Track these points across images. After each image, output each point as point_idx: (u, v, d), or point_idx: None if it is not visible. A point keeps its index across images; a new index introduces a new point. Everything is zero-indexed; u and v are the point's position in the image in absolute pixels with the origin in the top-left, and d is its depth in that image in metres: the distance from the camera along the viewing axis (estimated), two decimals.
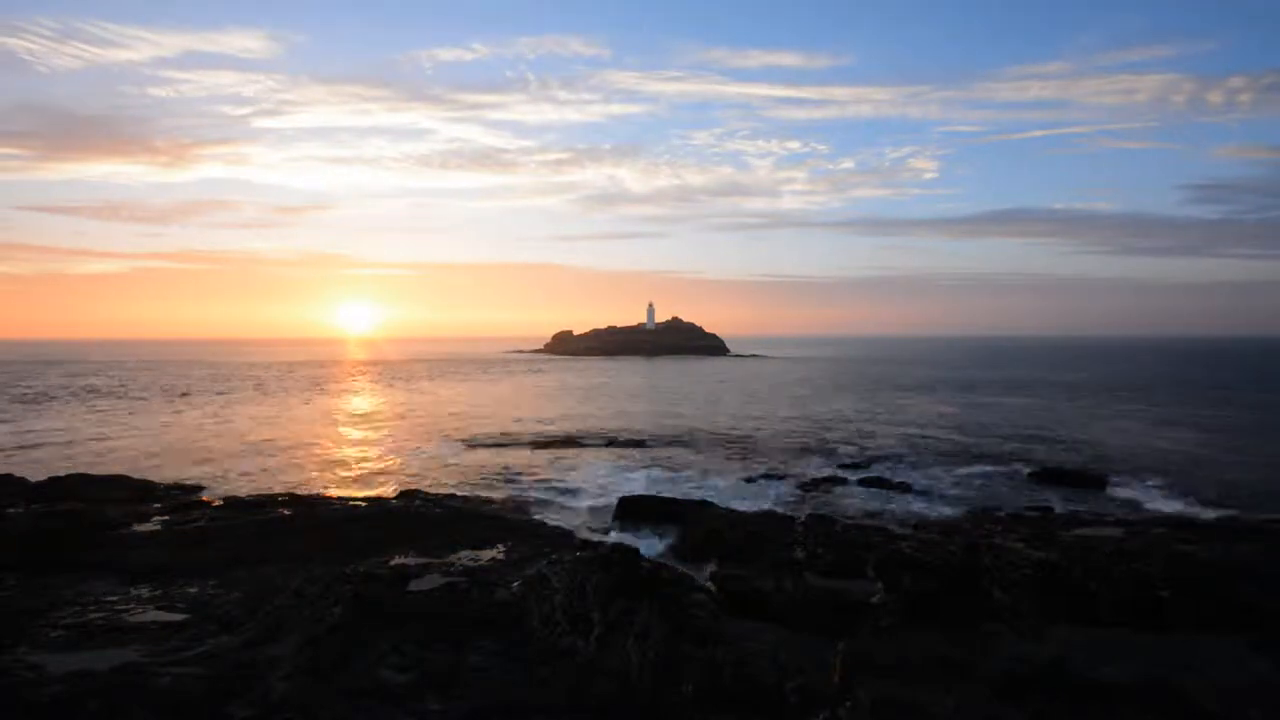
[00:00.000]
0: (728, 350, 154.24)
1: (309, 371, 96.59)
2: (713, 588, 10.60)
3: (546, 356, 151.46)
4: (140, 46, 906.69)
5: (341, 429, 37.94)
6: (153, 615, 8.51)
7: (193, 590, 9.85)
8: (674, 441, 32.37)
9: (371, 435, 35.59)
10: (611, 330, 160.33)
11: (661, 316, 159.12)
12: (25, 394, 58.18)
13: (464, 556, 10.55)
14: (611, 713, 6.11)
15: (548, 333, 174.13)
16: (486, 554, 10.74)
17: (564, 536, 14.58)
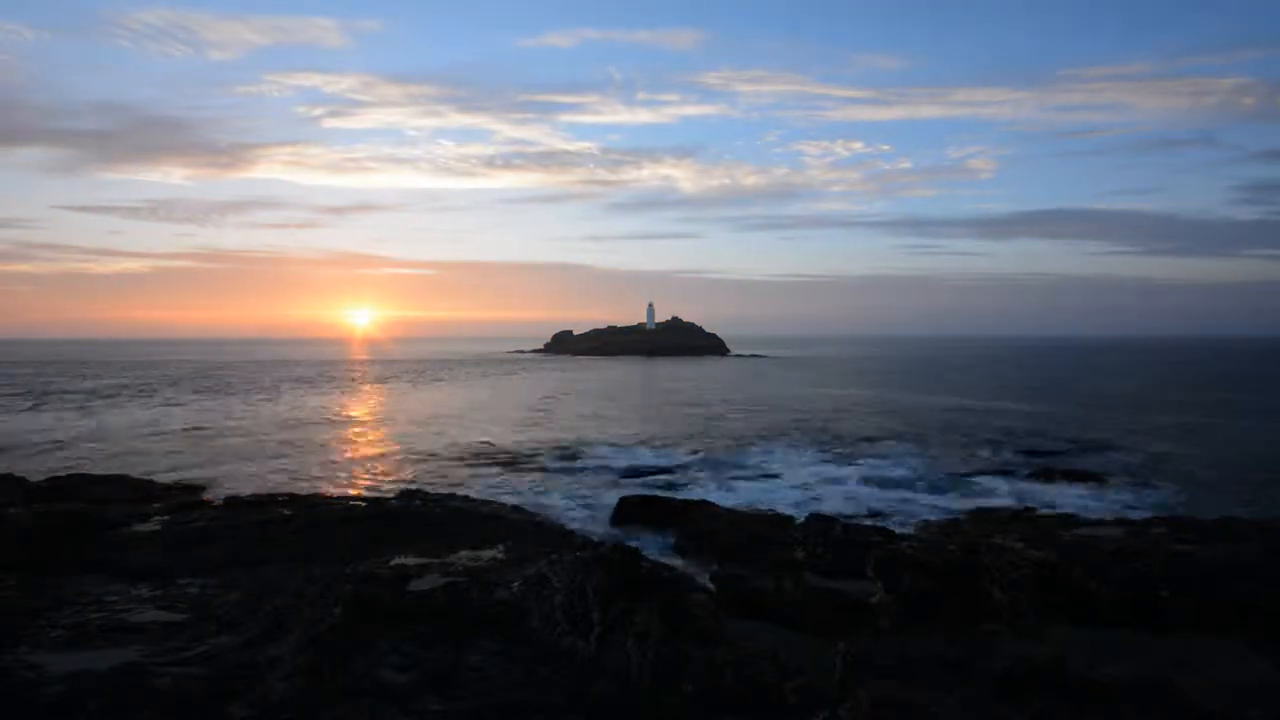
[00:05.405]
0: (728, 350, 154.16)
1: (313, 370, 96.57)
2: (713, 588, 10.60)
3: (546, 357, 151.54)
4: (233, 46, 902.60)
5: (341, 428, 37.93)
6: (153, 615, 8.50)
7: (193, 590, 9.84)
8: (672, 441, 32.37)
9: (371, 434, 35.59)
10: (611, 330, 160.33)
11: (662, 316, 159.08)
12: (24, 394, 58.18)
13: (464, 556, 10.54)
14: (611, 713, 6.11)
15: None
16: (486, 554, 10.73)
17: (564, 536, 14.57)
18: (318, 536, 13.35)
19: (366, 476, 24.70)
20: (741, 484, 23.13)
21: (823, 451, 29.40)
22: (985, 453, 29.07)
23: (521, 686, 6.44)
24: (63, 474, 20.23)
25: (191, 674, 6.57)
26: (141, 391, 61.80)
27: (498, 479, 23.82)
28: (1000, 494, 21.57)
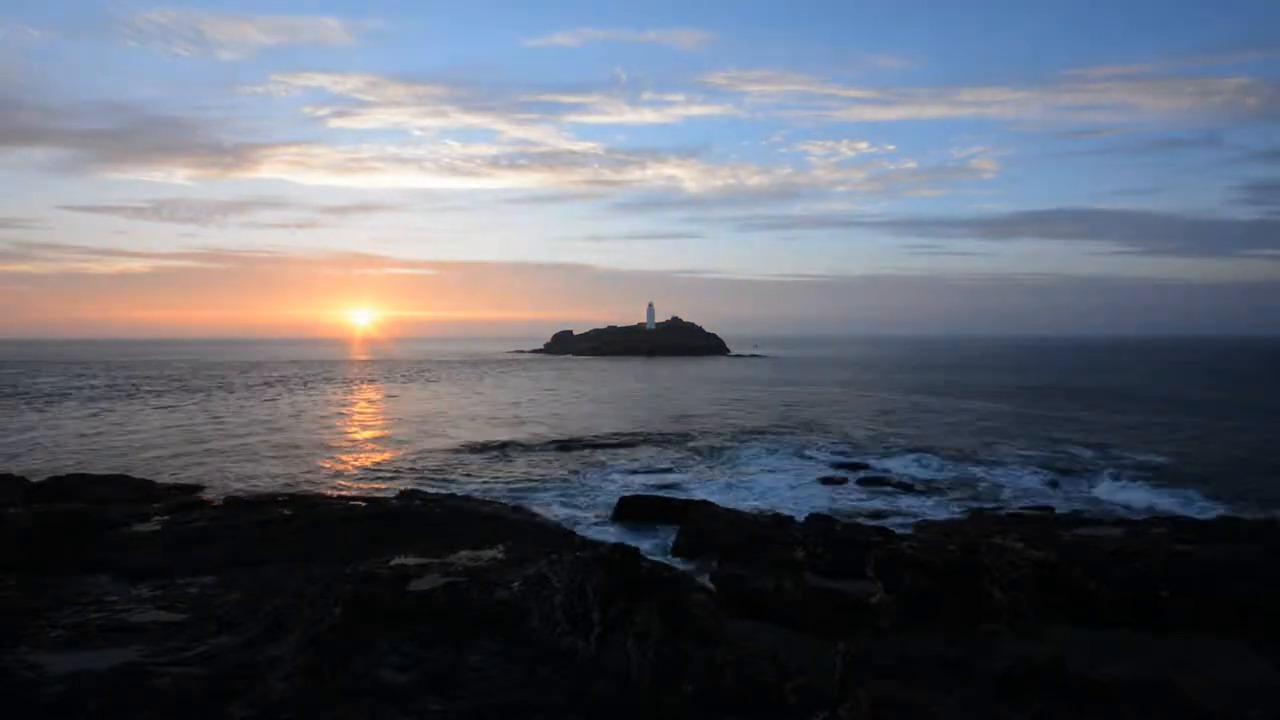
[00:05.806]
0: (728, 350, 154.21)
1: (313, 370, 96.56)
2: (713, 588, 10.60)
3: (546, 357, 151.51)
4: (240, 46, 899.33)
5: (340, 428, 37.93)
6: (153, 615, 8.50)
7: (193, 590, 9.84)
8: (671, 441, 32.36)
9: (371, 435, 35.59)
10: (611, 330, 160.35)
11: (663, 316, 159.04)
12: (25, 394, 58.16)
13: (464, 556, 10.54)
14: (611, 713, 6.11)
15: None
16: (486, 554, 10.73)
17: (564, 536, 14.57)
18: (318, 536, 13.35)
19: (366, 476, 24.70)
20: (741, 483, 23.13)
21: (822, 451, 29.39)
22: (985, 453, 29.06)
23: (521, 686, 6.44)
24: (63, 474, 20.23)
25: (191, 674, 6.57)
26: (142, 391, 61.79)
27: (497, 479, 23.81)
28: (1000, 494, 21.58)
